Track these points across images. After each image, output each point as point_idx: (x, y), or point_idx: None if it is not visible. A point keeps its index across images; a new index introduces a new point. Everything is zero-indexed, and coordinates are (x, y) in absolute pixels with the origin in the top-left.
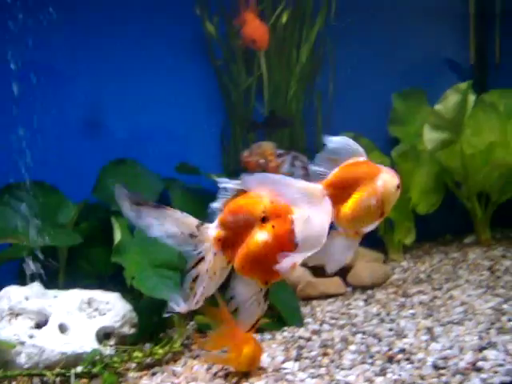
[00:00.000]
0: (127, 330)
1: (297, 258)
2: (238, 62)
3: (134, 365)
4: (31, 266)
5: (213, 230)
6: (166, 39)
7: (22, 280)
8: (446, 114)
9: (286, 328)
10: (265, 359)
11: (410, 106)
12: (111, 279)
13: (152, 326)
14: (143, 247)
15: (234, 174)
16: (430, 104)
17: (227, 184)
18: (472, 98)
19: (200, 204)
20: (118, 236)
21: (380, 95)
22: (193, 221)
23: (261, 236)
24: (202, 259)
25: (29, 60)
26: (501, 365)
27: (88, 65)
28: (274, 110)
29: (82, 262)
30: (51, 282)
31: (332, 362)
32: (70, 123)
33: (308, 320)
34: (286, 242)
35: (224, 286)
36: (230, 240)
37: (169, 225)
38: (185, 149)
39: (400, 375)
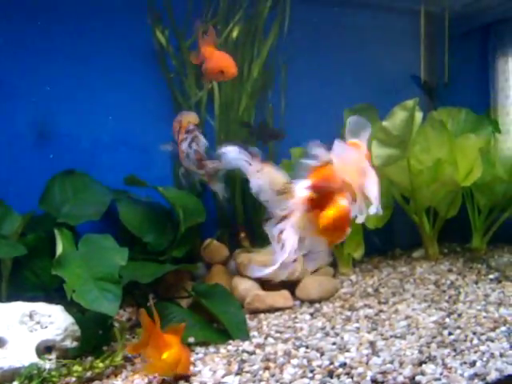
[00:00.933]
0: (69, 344)
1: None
2: (189, 75)
3: (73, 379)
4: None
5: (303, 190)
6: (118, 49)
7: None
8: (394, 130)
9: (231, 342)
10: (206, 373)
11: None
12: (57, 291)
13: (95, 339)
14: (85, 260)
15: (185, 188)
16: (381, 120)
17: (318, 152)
18: (419, 115)
19: (148, 216)
20: (59, 248)
21: (332, 111)
22: (283, 178)
23: (343, 202)
24: (287, 216)
25: None
26: (437, 379)
27: (36, 74)
28: (264, 122)
29: (27, 273)
30: None
31: (273, 376)
32: (18, 134)
33: (254, 333)
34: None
35: None
36: (315, 202)
37: (264, 180)
38: (135, 160)
39: None
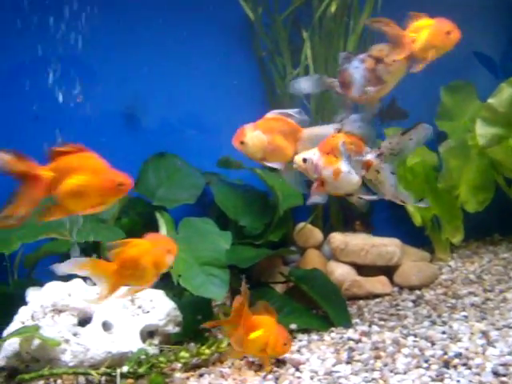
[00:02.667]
0: (171, 329)
1: None
2: (284, 54)
3: (179, 365)
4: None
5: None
6: (209, 28)
7: (62, 275)
8: (500, 107)
9: (333, 329)
10: (315, 361)
11: (458, 100)
12: None
13: (196, 325)
14: (189, 244)
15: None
16: (479, 98)
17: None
18: None
19: (243, 199)
20: (163, 232)
21: (428, 89)
22: None
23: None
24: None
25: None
26: None
27: (127, 57)
28: (395, 100)
29: None
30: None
31: (385, 365)
32: (111, 117)
33: (356, 320)
34: None
35: None
36: None
37: None
38: (225, 143)
39: (459, 381)
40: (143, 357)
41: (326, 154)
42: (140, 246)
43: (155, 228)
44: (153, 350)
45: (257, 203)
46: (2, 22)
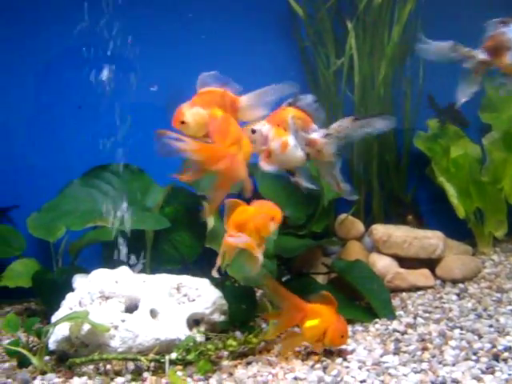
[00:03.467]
0: (217, 317)
1: None
2: (328, 44)
3: (225, 353)
4: (123, 250)
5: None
6: (249, 19)
7: (105, 263)
8: None
9: (377, 320)
10: (362, 351)
11: None
12: (193, 264)
13: (241, 314)
14: None
15: None
16: None
17: None
18: None
19: (286, 189)
20: (211, 222)
21: None
22: None
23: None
24: None
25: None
26: None
27: (174, 46)
28: (454, 104)
29: (166, 246)
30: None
31: (433, 357)
32: (155, 107)
33: (400, 313)
34: None
35: None
36: None
37: None
38: None
39: (510, 374)
40: (191, 344)
41: (276, 125)
42: (245, 213)
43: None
44: (199, 338)
45: (299, 194)
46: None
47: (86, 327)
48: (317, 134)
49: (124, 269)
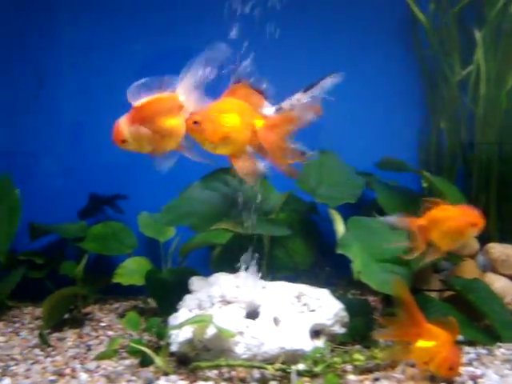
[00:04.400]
0: (337, 329)
1: None
2: (453, 53)
3: (349, 367)
4: (239, 254)
5: None
6: (368, 27)
7: (215, 266)
8: None
9: (500, 344)
10: (492, 376)
11: None
12: (304, 272)
13: (363, 328)
14: (364, 241)
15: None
16: None
17: None
18: None
19: (403, 201)
20: (340, 228)
21: None
22: None
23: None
24: None
25: None
26: None
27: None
28: None
29: (279, 252)
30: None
31: None
32: None
33: None
34: None
35: None
36: None
37: None
38: (378, 142)
39: None
40: (318, 355)
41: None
42: (448, 212)
43: (313, 225)
44: (326, 350)
45: (415, 206)
46: None
47: (211, 331)
48: (269, 110)
49: (244, 274)
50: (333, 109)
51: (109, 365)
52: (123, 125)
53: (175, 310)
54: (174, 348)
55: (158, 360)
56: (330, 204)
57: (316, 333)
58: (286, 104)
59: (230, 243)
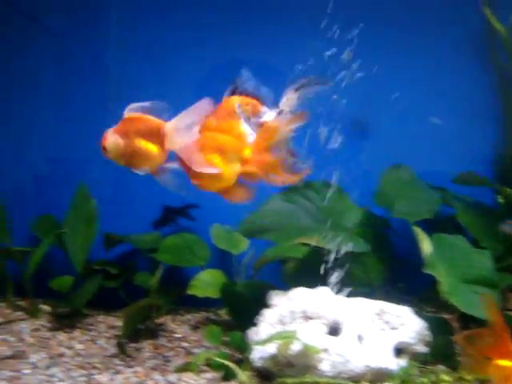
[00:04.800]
0: (420, 348)
1: None
2: None
3: None
4: (318, 269)
5: None
6: (443, 38)
7: (288, 280)
8: None
9: None
10: None
11: None
12: (378, 288)
13: (446, 347)
14: (450, 260)
15: None
16: None
17: None
18: None
19: (481, 218)
20: (427, 247)
21: None
22: None
23: None
24: None
25: None
26: None
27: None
28: None
29: (354, 268)
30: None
31: None
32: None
33: None
34: None
35: None
36: None
37: None
38: (453, 157)
39: None
40: (405, 375)
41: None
42: None
43: (387, 240)
44: (411, 370)
45: (496, 223)
46: None
47: (296, 347)
48: (269, 115)
49: (325, 289)
50: (407, 123)
51: (190, 378)
52: (108, 134)
53: (253, 323)
54: (257, 363)
55: (242, 375)
56: (409, 219)
57: (398, 351)
58: (284, 105)
59: (306, 258)
